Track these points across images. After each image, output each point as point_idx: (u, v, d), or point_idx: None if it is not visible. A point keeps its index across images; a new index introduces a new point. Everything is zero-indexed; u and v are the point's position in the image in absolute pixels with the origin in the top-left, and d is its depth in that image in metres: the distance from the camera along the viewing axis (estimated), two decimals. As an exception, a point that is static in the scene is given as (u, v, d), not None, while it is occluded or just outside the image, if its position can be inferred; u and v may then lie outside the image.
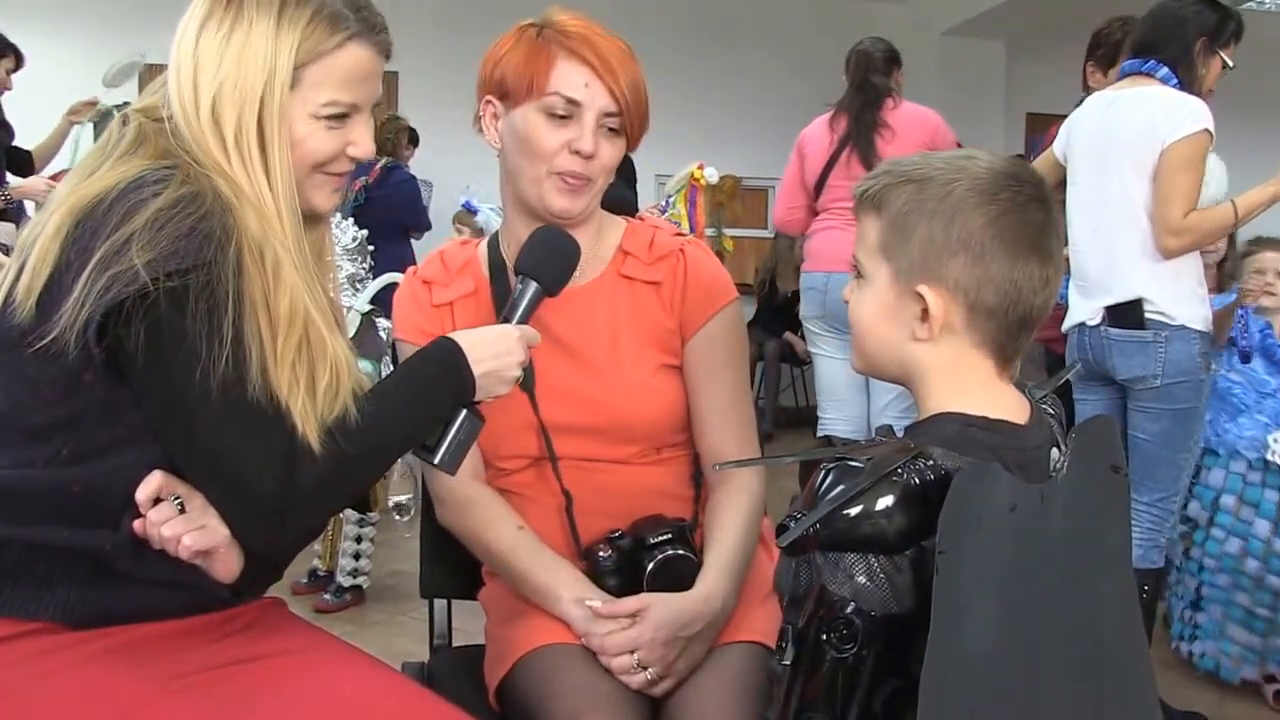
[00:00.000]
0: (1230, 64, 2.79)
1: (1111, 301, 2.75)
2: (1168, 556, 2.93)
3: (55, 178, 4.20)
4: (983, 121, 7.29)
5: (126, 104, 1.36)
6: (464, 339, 1.29)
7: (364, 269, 3.54)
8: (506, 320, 1.37)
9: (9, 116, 4.51)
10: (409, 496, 2.62)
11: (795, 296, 5.04)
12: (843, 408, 3.91)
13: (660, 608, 1.39)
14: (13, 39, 4.45)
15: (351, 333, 3.07)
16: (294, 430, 1.13)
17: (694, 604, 1.41)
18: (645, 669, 1.37)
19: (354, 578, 3.63)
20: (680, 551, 1.45)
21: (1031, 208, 1.07)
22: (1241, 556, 2.95)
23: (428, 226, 5.34)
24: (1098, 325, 2.78)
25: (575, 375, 1.51)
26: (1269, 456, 2.94)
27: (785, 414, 7.22)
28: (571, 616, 1.42)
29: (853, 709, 0.98)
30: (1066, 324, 2.89)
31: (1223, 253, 3.41)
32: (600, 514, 1.49)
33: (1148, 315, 2.70)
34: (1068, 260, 2.85)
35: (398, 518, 2.64)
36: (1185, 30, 2.74)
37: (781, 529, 0.98)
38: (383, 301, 3.14)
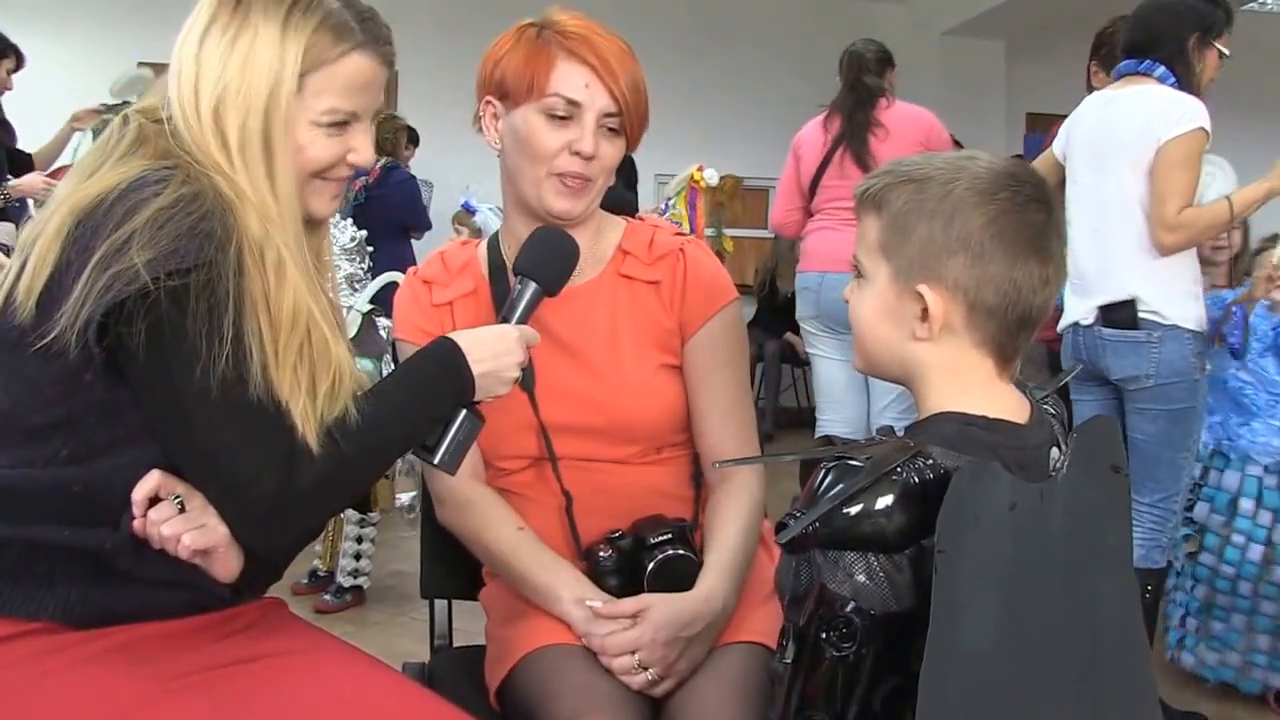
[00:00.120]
0: (1226, 53, 2.77)
1: (1105, 301, 2.74)
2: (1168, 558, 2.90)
3: (54, 175, 4.19)
4: (983, 121, 7.29)
5: (127, 104, 1.36)
6: (463, 339, 1.29)
7: (362, 269, 3.54)
8: (506, 320, 1.37)
9: (9, 117, 4.52)
10: (413, 495, 2.62)
11: (795, 297, 5.03)
12: (840, 409, 3.89)
13: (661, 608, 1.39)
14: (13, 39, 4.45)
15: (353, 333, 3.07)
16: (293, 430, 1.13)
17: (694, 604, 1.41)
18: (646, 669, 1.37)
19: (354, 578, 3.62)
20: (680, 552, 1.45)
21: (1031, 208, 1.07)
22: (1267, 564, 2.86)
23: (427, 226, 5.33)
24: (1091, 325, 2.77)
25: (575, 375, 1.51)
26: None
27: (785, 414, 7.22)
28: (572, 617, 1.42)
29: (852, 707, 0.98)
30: (1061, 324, 2.87)
31: (1237, 248, 3.35)
32: (600, 514, 1.49)
33: (1141, 315, 2.69)
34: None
35: (408, 515, 2.64)
36: (1178, 28, 2.73)
37: (781, 526, 0.98)
38: (383, 301, 3.14)
